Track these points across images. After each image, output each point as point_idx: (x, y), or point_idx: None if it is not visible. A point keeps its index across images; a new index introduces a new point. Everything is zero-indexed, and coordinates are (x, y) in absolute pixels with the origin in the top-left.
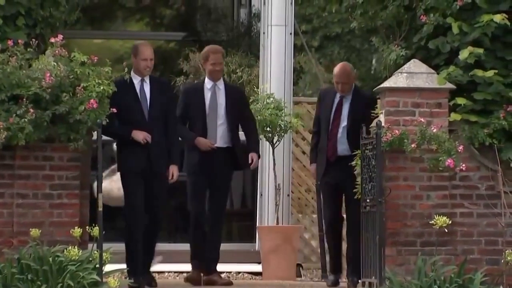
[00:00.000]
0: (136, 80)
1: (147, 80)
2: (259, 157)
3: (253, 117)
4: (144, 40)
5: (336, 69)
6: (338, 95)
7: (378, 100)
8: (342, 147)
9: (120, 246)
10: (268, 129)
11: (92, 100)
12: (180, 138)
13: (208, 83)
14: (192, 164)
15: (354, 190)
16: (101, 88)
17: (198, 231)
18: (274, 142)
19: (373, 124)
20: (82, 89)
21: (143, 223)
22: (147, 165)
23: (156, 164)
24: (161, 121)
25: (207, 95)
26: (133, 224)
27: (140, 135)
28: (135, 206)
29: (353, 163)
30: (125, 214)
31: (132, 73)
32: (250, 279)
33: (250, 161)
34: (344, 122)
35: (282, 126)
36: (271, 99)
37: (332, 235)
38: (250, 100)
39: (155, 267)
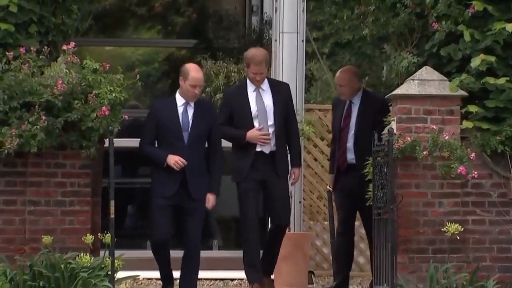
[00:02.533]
0: (180, 102)
1: (191, 103)
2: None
3: (296, 119)
4: (194, 64)
5: (338, 72)
6: (348, 102)
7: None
8: (351, 156)
9: (132, 253)
10: None
11: (104, 108)
12: (229, 140)
13: (250, 85)
14: (241, 170)
15: (366, 196)
16: (113, 95)
17: (252, 239)
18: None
19: (385, 131)
20: (94, 96)
21: (169, 253)
22: (182, 192)
23: (192, 192)
24: (201, 147)
25: (252, 97)
26: (159, 254)
27: (171, 160)
28: (160, 235)
29: (365, 171)
30: (151, 243)
31: (177, 94)
32: None
33: (293, 178)
34: (352, 130)
35: None
36: None
37: (341, 239)
38: None
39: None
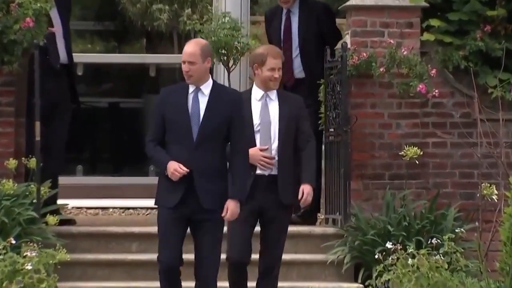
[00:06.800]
0: (192, 89)
1: (205, 89)
2: (314, 190)
3: (312, 133)
4: (196, 38)
5: None
6: (284, 12)
7: (343, 21)
8: (298, 69)
9: (60, 180)
10: (223, 51)
11: (28, 19)
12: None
13: (256, 93)
14: None
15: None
16: (38, 5)
17: (238, 281)
18: (230, 65)
19: (338, 45)
20: (16, 6)
21: (180, 284)
22: (192, 201)
23: (202, 200)
24: (216, 145)
25: (256, 108)
26: (168, 285)
27: (170, 169)
28: (168, 258)
29: (321, 88)
30: (159, 270)
31: None
32: None
33: (300, 196)
34: (296, 41)
35: (239, 48)
36: (227, 18)
37: None
38: (204, 20)
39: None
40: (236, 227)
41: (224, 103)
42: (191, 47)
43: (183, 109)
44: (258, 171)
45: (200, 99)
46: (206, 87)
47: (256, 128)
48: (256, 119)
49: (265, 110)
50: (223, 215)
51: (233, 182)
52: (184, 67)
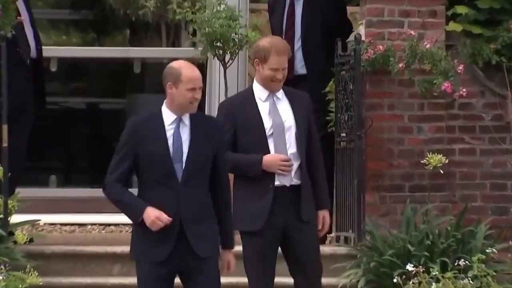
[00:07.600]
0: (169, 119)
1: (186, 119)
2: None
3: (319, 143)
4: (182, 60)
5: None
6: None
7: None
8: (300, 64)
9: (31, 192)
10: (218, 44)
11: None
12: (235, 171)
13: (260, 92)
14: (255, 216)
15: (328, 118)
16: None
17: None
18: (226, 60)
19: (351, 37)
20: None
21: None
22: (182, 249)
23: (195, 246)
24: (203, 183)
25: (264, 110)
26: None
27: (148, 219)
28: None
29: (327, 89)
30: None
31: (164, 107)
32: None
33: (320, 226)
34: (298, 31)
35: (236, 40)
36: (223, 6)
37: None
38: (196, 7)
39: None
40: (260, 259)
41: (207, 133)
42: (196, 69)
43: (163, 143)
44: (277, 182)
45: (182, 131)
46: (186, 116)
47: (268, 132)
48: (267, 122)
49: (275, 111)
50: (225, 270)
51: (224, 229)
52: (197, 95)
